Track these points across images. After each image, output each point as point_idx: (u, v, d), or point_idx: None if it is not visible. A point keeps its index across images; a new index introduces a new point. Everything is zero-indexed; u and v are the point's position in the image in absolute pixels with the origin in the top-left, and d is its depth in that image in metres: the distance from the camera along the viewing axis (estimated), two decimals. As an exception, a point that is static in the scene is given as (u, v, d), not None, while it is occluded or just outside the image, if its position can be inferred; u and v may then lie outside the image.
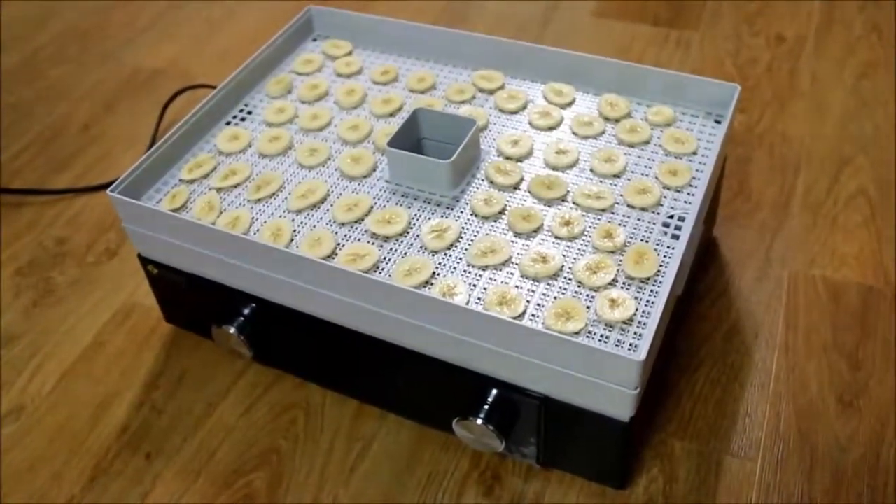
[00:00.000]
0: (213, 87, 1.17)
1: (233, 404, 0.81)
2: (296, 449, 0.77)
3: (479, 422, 0.66)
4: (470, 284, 0.68)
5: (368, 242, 0.72)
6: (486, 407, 0.67)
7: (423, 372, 0.70)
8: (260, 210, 0.76)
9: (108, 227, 1.01)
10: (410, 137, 0.79)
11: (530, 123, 0.83)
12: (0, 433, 0.80)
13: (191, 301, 0.81)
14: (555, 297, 0.67)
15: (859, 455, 0.73)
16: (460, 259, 0.70)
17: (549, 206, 0.74)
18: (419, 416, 0.77)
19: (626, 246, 0.70)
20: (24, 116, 1.19)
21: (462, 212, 0.74)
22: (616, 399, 0.62)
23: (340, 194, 0.77)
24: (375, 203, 0.75)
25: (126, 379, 0.84)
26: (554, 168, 0.78)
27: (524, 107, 0.85)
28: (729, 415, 0.77)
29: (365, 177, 0.78)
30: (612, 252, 0.70)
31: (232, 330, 0.75)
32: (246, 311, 0.76)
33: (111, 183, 1.05)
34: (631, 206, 0.74)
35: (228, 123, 0.86)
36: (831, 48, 1.20)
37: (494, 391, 0.67)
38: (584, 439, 0.68)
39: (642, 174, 0.77)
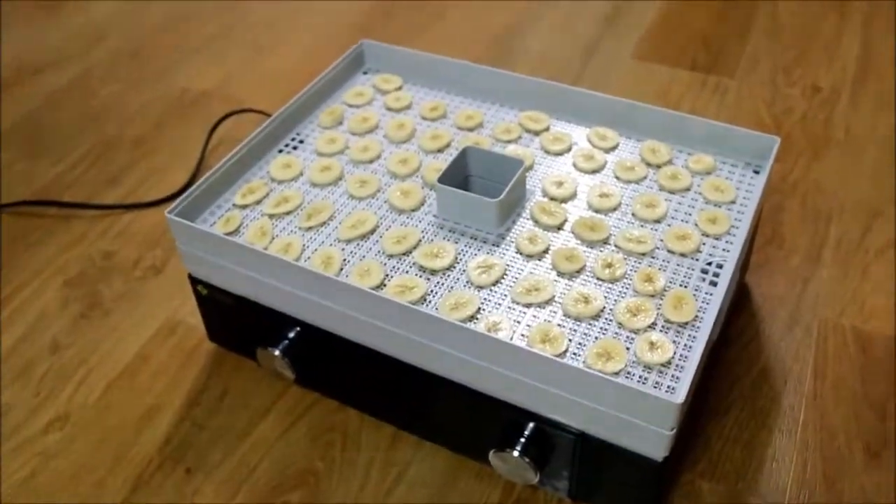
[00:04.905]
0: (260, 112, 1.21)
1: (272, 424, 0.83)
2: (333, 471, 0.79)
3: (516, 454, 0.68)
4: (514, 321, 0.70)
5: (416, 275, 0.74)
6: (523, 440, 0.69)
7: (464, 403, 0.72)
8: (311, 238, 0.79)
9: (154, 244, 1.04)
10: (458, 174, 0.82)
11: (574, 166, 0.85)
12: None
13: (237, 322, 0.84)
14: (596, 338, 0.69)
15: (885, 506, 0.75)
16: (505, 295, 0.72)
17: (592, 247, 0.76)
18: (455, 445, 0.79)
19: (666, 290, 0.72)
20: (78, 132, 1.23)
21: (507, 249, 0.76)
22: (651, 439, 0.64)
23: (389, 226, 0.79)
24: (423, 237, 0.78)
25: (168, 394, 0.87)
26: (597, 211, 0.80)
27: (569, 149, 0.87)
28: (756, 458, 0.79)
29: (413, 210, 0.81)
30: (652, 296, 0.72)
31: (277, 352, 0.78)
32: (291, 335, 0.78)
33: (160, 200, 1.10)
34: (671, 252, 0.76)
35: (281, 151, 0.89)
36: (865, 101, 1.22)
37: (532, 425, 0.69)
38: (617, 476, 0.70)
39: (682, 221, 0.79)
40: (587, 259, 0.75)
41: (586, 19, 1.45)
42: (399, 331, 0.71)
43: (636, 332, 0.69)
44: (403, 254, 0.76)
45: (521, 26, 1.43)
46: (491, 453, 0.70)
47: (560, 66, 1.33)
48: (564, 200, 0.81)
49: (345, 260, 0.76)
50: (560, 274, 0.74)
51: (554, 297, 0.72)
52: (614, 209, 0.80)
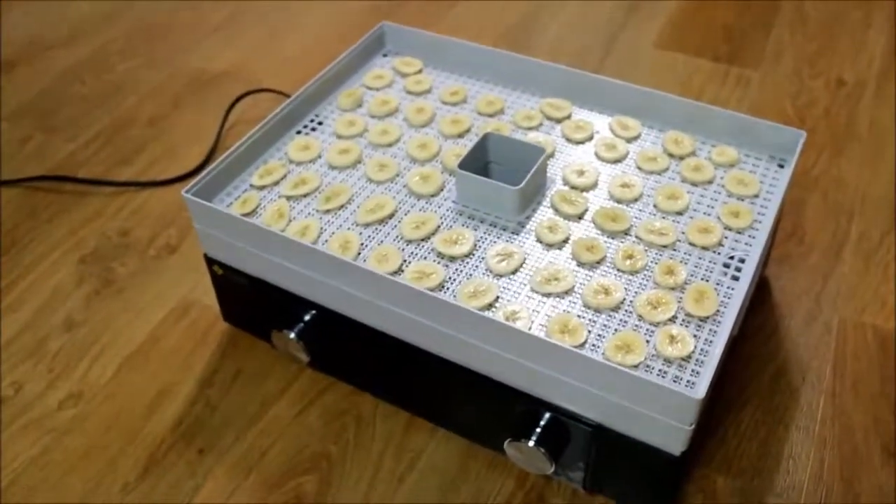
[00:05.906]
0: (277, 92, 1.20)
1: (285, 407, 0.83)
2: (346, 455, 0.79)
3: (532, 444, 0.68)
4: (533, 310, 0.70)
5: (434, 261, 0.74)
6: (539, 430, 0.68)
7: (480, 392, 0.71)
8: (328, 221, 0.78)
9: (169, 223, 1.03)
10: (479, 160, 0.81)
11: (596, 155, 0.84)
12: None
13: (252, 303, 0.83)
14: (615, 330, 0.68)
15: (902, 506, 0.74)
16: (524, 284, 0.72)
17: (613, 238, 0.75)
18: (469, 433, 0.79)
19: (687, 284, 0.71)
20: (94, 108, 1.22)
21: (527, 238, 0.76)
22: (670, 433, 0.64)
23: (408, 211, 0.78)
24: (442, 223, 0.77)
25: (182, 374, 0.86)
26: (618, 201, 0.79)
27: (590, 138, 0.86)
28: (773, 455, 0.78)
29: (433, 196, 0.80)
30: (673, 289, 0.71)
31: (291, 335, 0.77)
32: (306, 318, 0.78)
33: (176, 179, 1.09)
34: (692, 245, 0.75)
35: (299, 133, 0.88)
36: (890, 96, 1.21)
37: (548, 415, 0.69)
38: (633, 469, 0.69)
39: (705, 213, 0.78)
40: (608, 250, 0.74)
41: (606, 7, 1.43)
42: (417, 317, 0.70)
43: (656, 324, 0.68)
44: (422, 239, 0.75)
45: (539, 16, 1.42)
46: (506, 442, 0.69)
47: (579, 55, 1.31)
48: (585, 189, 0.80)
49: (362, 244, 0.75)
50: (580, 264, 0.73)
51: (573, 287, 0.71)
52: (636, 200, 0.79)
